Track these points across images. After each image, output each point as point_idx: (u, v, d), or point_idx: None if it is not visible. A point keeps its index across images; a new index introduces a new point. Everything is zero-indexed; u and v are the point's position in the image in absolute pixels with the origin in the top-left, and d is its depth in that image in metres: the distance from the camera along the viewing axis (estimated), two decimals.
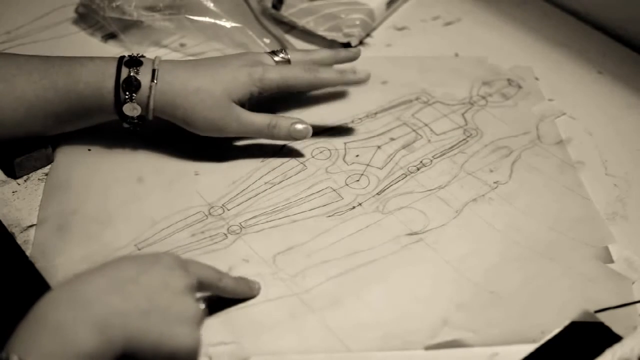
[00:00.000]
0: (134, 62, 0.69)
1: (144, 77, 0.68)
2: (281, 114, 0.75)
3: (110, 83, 0.68)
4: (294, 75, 0.73)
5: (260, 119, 0.71)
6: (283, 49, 0.75)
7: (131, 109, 0.69)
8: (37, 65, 0.68)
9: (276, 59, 0.74)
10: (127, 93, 0.68)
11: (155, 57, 0.70)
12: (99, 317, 0.50)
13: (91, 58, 0.70)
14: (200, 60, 0.73)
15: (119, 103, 0.68)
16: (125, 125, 0.71)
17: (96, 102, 0.68)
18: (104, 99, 0.68)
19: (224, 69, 0.71)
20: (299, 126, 0.71)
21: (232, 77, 0.70)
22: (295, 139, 0.72)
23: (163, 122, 0.71)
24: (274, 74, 0.71)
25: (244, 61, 0.72)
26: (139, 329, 0.51)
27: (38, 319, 0.50)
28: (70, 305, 0.50)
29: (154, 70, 0.68)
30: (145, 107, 0.69)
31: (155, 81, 0.68)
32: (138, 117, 0.69)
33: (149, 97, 0.68)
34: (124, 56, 0.69)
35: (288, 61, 0.75)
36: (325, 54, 0.78)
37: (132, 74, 0.68)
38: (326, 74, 0.74)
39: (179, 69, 0.70)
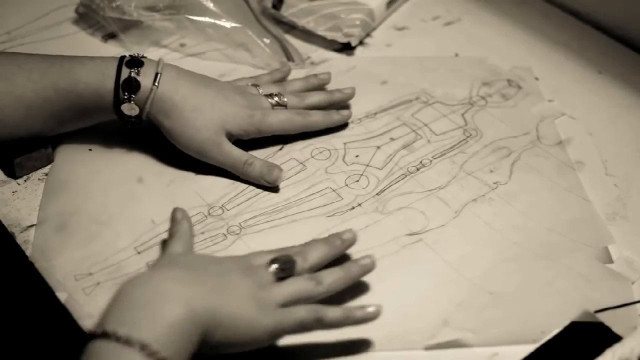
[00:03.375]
0: (135, 62, 0.69)
1: (145, 78, 0.68)
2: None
3: (110, 83, 0.68)
4: (290, 120, 0.74)
5: (238, 154, 0.71)
6: (279, 93, 0.75)
7: (129, 109, 0.69)
8: (37, 64, 0.68)
9: (272, 101, 0.74)
10: (127, 93, 0.68)
11: (159, 60, 0.70)
12: (182, 293, 0.52)
13: (91, 58, 0.70)
14: (204, 80, 0.73)
15: (117, 102, 0.68)
16: (123, 124, 0.71)
17: (96, 102, 0.68)
18: (103, 98, 0.68)
19: (226, 102, 0.71)
20: (273, 171, 0.70)
21: (232, 112, 0.71)
22: (267, 182, 0.71)
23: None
24: (273, 120, 0.73)
25: (246, 101, 0.73)
26: (219, 305, 0.53)
27: (125, 297, 0.52)
28: (154, 285, 0.53)
29: (157, 74, 0.69)
30: (142, 106, 0.69)
31: (156, 85, 0.68)
32: (135, 116, 0.69)
33: (147, 99, 0.68)
34: (124, 56, 0.69)
35: (284, 105, 0.75)
36: (319, 98, 0.77)
37: (132, 74, 0.68)
38: (317, 118, 0.76)
39: (182, 80, 0.70)
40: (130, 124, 0.70)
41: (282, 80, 0.81)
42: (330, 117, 0.77)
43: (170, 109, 0.69)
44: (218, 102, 0.71)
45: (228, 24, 0.85)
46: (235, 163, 0.71)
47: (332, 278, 0.59)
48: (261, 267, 0.59)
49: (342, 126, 0.78)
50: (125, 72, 0.68)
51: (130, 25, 0.86)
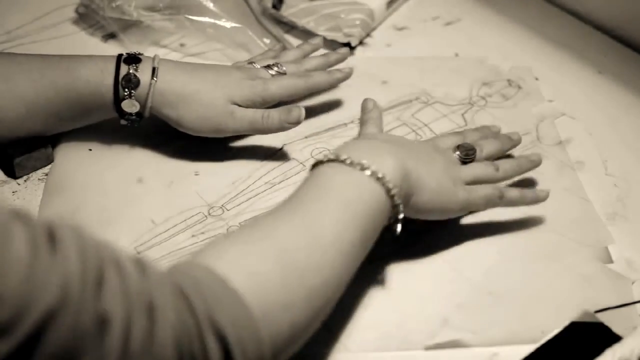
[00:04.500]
0: (133, 59, 0.69)
1: (143, 74, 0.69)
2: None
3: (109, 80, 0.68)
4: (292, 84, 0.74)
5: (252, 113, 0.71)
6: (277, 63, 0.76)
7: (130, 105, 0.69)
8: (36, 64, 0.68)
9: (272, 72, 0.75)
10: (127, 90, 0.68)
11: (155, 56, 0.71)
12: (395, 153, 0.58)
13: (90, 56, 0.70)
14: (201, 65, 0.74)
15: (117, 100, 0.69)
16: (123, 122, 0.71)
17: (96, 100, 0.69)
18: (103, 96, 0.68)
19: (227, 77, 0.72)
20: (292, 112, 0.71)
21: (235, 84, 0.72)
22: (290, 124, 0.71)
23: (161, 120, 0.71)
24: (274, 87, 0.73)
25: (245, 74, 0.73)
26: (422, 173, 0.60)
27: (349, 145, 0.59)
28: (371, 143, 0.61)
29: (154, 69, 0.69)
30: (143, 103, 0.69)
31: (155, 79, 0.69)
32: (136, 113, 0.70)
33: (147, 94, 0.69)
34: (122, 54, 0.70)
35: (283, 73, 0.75)
36: (317, 61, 0.79)
37: (131, 71, 0.68)
38: (319, 77, 0.76)
39: (179, 69, 0.71)
40: (131, 121, 0.71)
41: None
42: (332, 76, 0.77)
43: (173, 98, 0.69)
44: (220, 81, 0.71)
45: (228, 24, 0.85)
46: (253, 122, 0.71)
47: (508, 166, 0.68)
48: (449, 150, 0.67)
49: (342, 126, 0.78)
50: (124, 69, 0.68)
51: (130, 25, 0.86)
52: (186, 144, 0.74)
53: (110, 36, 0.87)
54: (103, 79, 0.68)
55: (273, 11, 0.90)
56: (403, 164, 0.58)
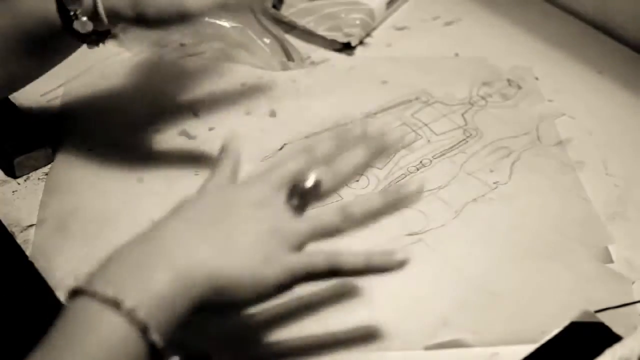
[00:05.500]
0: None
1: None
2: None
3: (52, 6, 0.62)
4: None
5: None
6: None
7: (82, 26, 0.62)
8: None
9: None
10: (72, 8, 0.61)
11: None
12: (177, 261, 0.49)
13: None
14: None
15: (68, 23, 0.62)
16: (89, 46, 0.65)
17: (46, 32, 0.63)
18: (52, 25, 0.62)
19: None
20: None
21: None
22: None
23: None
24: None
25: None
26: (218, 269, 0.50)
27: (115, 259, 0.49)
28: (151, 248, 0.50)
29: None
30: (94, 16, 0.62)
31: None
32: (94, 32, 0.63)
33: (94, 3, 0.62)
34: None
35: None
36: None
37: None
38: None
39: None
40: (94, 42, 0.65)
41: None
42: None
43: None
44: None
45: (228, 24, 0.85)
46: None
47: (366, 208, 0.53)
48: (279, 196, 0.54)
49: (342, 126, 0.78)
50: None
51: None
52: (186, 144, 0.74)
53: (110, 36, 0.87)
54: (46, 6, 0.61)
55: (273, 11, 0.90)
56: (187, 275, 0.48)
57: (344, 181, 0.55)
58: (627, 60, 0.87)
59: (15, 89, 0.69)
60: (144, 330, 0.46)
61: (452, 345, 0.60)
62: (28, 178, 0.71)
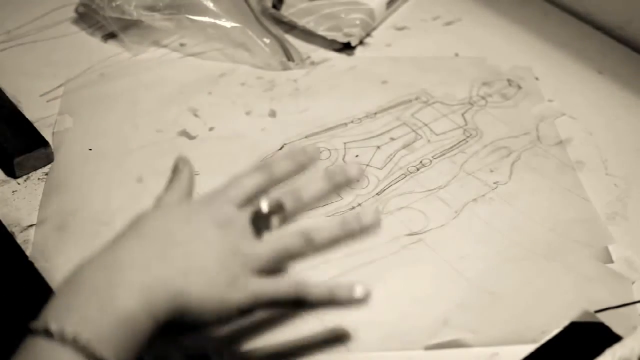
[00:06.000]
0: None
1: None
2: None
3: None
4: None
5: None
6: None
7: None
8: None
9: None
10: None
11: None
12: (137, 280, 0.47)
13: None
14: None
15: None
16: None
17: None
18: None
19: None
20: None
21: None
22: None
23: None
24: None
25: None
26: (180, 290, 0.48)
27: (73, 285, 0.47)
28: (107, 270, 0.47)
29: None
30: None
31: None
32: None
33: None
34: None
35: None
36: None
37: None
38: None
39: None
40: None
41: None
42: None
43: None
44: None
45: (228, 24, 0.85)
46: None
47: (326, 234, 0.52)
48: (241, 216, 0.52)
49: (342, 126, 0.78)
50: None
51: (130, 25, 0.86)
52: (186, 144, 0.73)
53: (110, 36, 0.87)
54: None
55: (273, 11, 0.90)
56: (147, 299, 0.46)
57: (305, 209, 0.54)
58: (627, 60, 0.87)
59: None
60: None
61: (452, 345, 0.60)
62: (28, 178, 0.71)
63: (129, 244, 0.49)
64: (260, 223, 0.52)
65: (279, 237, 0.52)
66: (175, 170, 0.57)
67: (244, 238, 0.51)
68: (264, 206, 0.53)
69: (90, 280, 0.47)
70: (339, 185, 0.55)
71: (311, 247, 0.52)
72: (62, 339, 0.44)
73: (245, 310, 0.50)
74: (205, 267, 0.49)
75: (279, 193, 0.54)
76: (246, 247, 0.51)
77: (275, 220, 0.53)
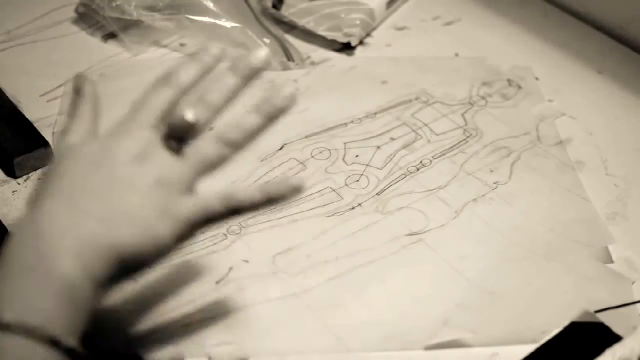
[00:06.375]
0: None
1: None
2: None
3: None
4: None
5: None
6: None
7: None
8: None
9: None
10: None
11: None
12: (67, 246, 0.44)
13: None
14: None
15: None
16: None
17: None
18: None
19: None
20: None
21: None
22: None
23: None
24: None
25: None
26: (109, 242, 0.46)
27: (4, 268, 0.44)
28: (34, 244, 0.44)
29: None
30: None
31: None
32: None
33: None
34: None
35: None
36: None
37: None
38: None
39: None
40: None
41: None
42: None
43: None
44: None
45: (228, 24, 0.85)
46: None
47: (243, 129, 0.50)
48: (155, 140, 0.49)
49: (342, 126, 0.78)
50: None
51: (130, 25, 0.86)
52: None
53: (110, 36, 0.87)
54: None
55: (273, 11, 0.90)
56: (82, 261, 0.44)
57: (218, 112, 0.51)
58: (627, 60, 0.87)
59: None
60: (54, 342, 0.42)
61: (452, 345, 0.60)
62: (28, 178, 0.71)
63: (46, 208, 0.46)
64: (176, 141, 0.49)
65: (197, 150, 0.50)
66: (75, 95, 0.52)
67: (164, 164, 0.49)
68: (190, 115, 0.49)
69: (21, 258, 0.44)
70: (247, 77, 0.52)
71: (231, 147, 0.50)
72: (7, 328, 0.41)
73: (183, 236, 0.48)
74: (132, 208, 0.47)
75: (188, 102, 0.51)
76: (168, 172, 0.49)
77: (190, 132, 0.50)
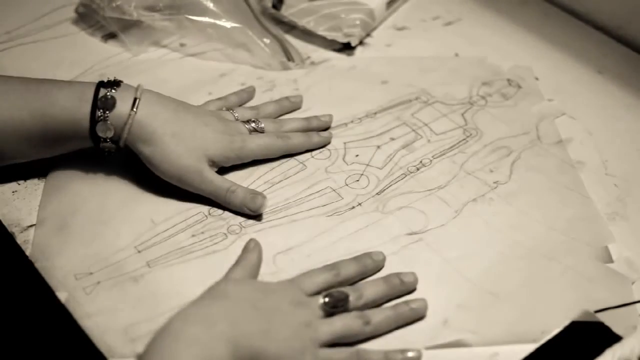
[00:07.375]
0: (113, 83, 0.67)
1: (123, 103, 0.66)
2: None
3: (86, 107, 0.65)
4: (271, 145, 0.72)
5: (220, 181, 0.69)
6: (256, 120, 0.73)
7: (104, 130, 0.66)
8: (14, 85, 0.66)
9: (249, 127, 0.73)
10: (102, 111, 0.65)
11: (138, 86, 0.67)
12: (228, 333, 0.54)
13: (70, 82, 0.68)
14: (182, 106, 0.70)
15: (93, 124, 0.65)
16: (99, 152, 0.68)
17: (71, 127, 0.65)
18: (79, 123, 0.65)
19: (206, 128, 0.69)
20: (256, 199, 0.68)
21: (213, 138, 0.69)
22: (250, 210, 0.68)
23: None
24: (253, 145, 0.71)
25: (225, 127, 0.71)
26: (262, 347, 0.55)
27: (172, 332, 0.54)
28: (203, 323, 0.54)
29: (135, 99, 0.66)
30: (119, 133, 0.66)
31: (135, 110, 0.66)
32: (111, 139, 0.66)
33: (125, 124, 0.66)
34: (102, 81, 0.67)
35: (261, 131, 0.73)
36: (297, 125, 0.76)
37: (109, 93, 0.66)
38: (297, 140, 0.74)
39: (161, 105, 0.68)
40: (107, 150, 0.68)
41: (248, 100, 0.80)
42: (310, 140, 0.75)
43: (150, 136, 0.66)
44: (198, 128, 0.69)
45: (228, 24, 0.85)
46: (217, 190, 0.68)
47: (381, 318, 0.60)
48: (313, 300, 0.59)
49: (342, 126, 0.78)
50: (102, 92, 0.66)
51: (130, 25, 0.86)
52: None
53: (110, 36, 0.87)
54: (80, 106, 0.65)
55: (273, 11, 0.90)
56: (236, 349, 0.54)
57: (366, 305, 0.61)
58: (627, 60, 0.87)
59: (16, 161, 0.69)
60: None
61: (453, 345, 0.60)
62: (28, 178, 0.71)
63: (217, 303, 0.57)
64: (330, 307, 0.59)
65: (343, 319, 0.59)
66: (246, 249, 0.64)
67: (314, 316, 0.59)
68: (351, 297, 0.60)
69: (189, 329, 0.54)
70: (396, 289, 0.62)
71: (371, 328, 0.59)
72: None
73: None
74: (282, 332, 0.56)
75: (345, 288, 0.61)
76: (317, 323, 0.58)
77: (341, 307, 0.60)
